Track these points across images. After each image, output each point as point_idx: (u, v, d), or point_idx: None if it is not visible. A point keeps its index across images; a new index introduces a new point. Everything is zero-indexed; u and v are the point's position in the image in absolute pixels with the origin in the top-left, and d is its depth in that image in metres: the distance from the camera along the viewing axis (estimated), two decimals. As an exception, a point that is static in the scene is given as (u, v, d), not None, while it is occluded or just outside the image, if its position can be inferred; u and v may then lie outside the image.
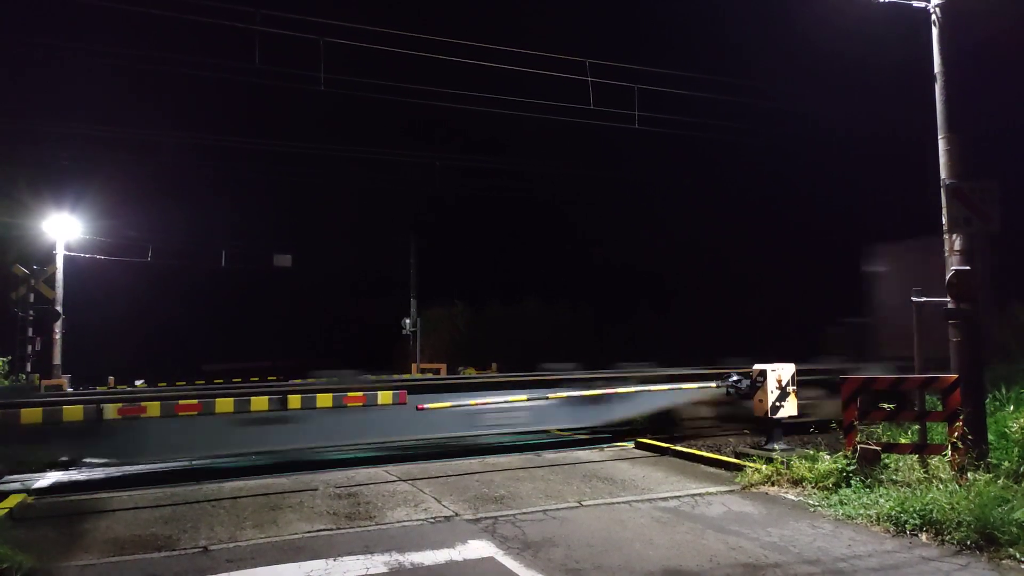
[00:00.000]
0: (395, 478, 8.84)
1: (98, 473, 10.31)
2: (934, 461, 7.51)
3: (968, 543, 5.78)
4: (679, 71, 14.30)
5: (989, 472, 6.93)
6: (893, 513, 6.42)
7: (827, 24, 12.64)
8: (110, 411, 8.45)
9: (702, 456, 9.66)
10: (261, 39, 11.09)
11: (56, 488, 9.09)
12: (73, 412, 8.35)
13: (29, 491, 8.54)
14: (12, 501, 7.86)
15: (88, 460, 11.22)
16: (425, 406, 9.60)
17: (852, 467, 7.54)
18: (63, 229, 22.04)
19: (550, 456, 10.31)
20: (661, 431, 11.29)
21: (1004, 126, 14.20)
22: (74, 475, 10.15)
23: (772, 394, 9.66)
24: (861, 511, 6.74)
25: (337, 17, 11.51)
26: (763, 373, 9.73)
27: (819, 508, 7.08)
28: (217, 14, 11.03)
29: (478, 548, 6.02)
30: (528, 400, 10.28)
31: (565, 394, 10.58)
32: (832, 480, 7.56)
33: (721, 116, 17.18)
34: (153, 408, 8.62)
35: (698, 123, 16.10)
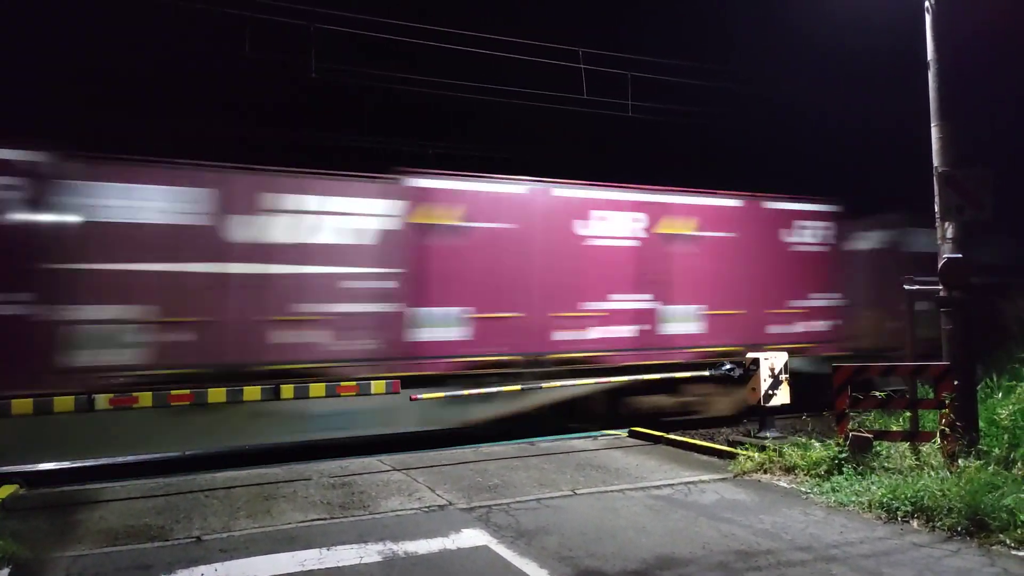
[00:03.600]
0: (389, 467, 8.85)
1: (91, 463, 10.27)
2: (925, 448, 7.57)
3: (959, 529, 5.83)
4: (672, 59, 14.24)
5: (979, 459, 6.97)
6: (885, 500, 6.47)
7: (822, 11, 12.59)
8: (101, 401, 8.41)
9: (695, 444, 9.69)
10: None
11: (49, 478, 9.05)
12: (64, 403, 8.30)
13: (22, 482, 8.50)
14: (4, 492, 7.83)
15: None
16: (419, 396, 9.63)
17: (844, 455, 7.57)
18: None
19: (544, 445, 10.33)
20: None
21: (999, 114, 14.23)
22: (67, 465, 10.11)
23: (765, 382, 9.70)
24: (853, 498, 6.78)
25: (327, 4, 11.42)
26: (756, 361, 9.77)
27: (811, 495, 7.12)
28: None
29: (472, 537, 6.03)
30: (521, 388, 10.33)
31: (560, 383, 10.59)
32: (824, 467, 7.60)
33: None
34: (145, 398, 8.58)
35: (694, 111, 16.03)
